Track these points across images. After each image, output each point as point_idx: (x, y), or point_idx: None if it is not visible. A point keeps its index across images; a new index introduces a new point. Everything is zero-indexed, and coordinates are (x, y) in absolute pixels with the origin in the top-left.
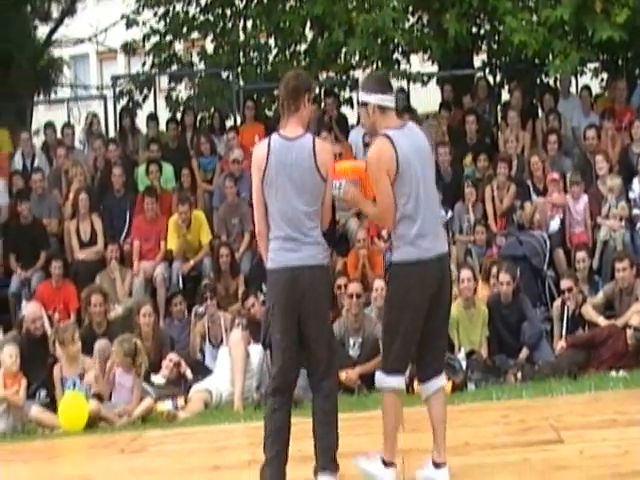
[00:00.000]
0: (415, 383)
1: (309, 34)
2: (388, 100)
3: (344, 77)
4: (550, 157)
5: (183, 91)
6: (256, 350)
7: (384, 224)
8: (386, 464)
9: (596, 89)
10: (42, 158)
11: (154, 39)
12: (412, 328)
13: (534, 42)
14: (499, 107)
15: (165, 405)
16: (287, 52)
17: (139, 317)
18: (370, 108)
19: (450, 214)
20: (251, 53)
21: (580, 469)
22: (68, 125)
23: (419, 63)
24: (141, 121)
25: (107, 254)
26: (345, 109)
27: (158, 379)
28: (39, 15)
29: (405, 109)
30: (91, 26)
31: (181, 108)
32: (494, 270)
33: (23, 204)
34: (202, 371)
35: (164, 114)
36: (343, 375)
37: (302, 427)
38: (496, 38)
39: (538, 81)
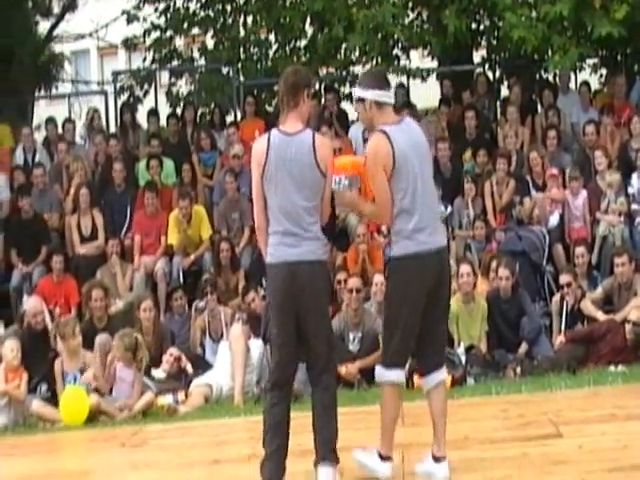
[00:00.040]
0: (415, 377)
1: (309, 30)
2: (385, 96)
3: (344, 73)
4: (549, 152)
5: (184, 86)
6: (256, 345)
7: (382, 220)
8: (383, 458)
9: (595, 85)
10: (43, 153)
11: (155, 35)
12: (411, 322)
13: (533, 38)
14: (498, 103)
15: (165, 399)
16: (287, 48)
17: (140, 312)
18: (367, 104)
19: (450, 209)
20: (251, 49)
21: (579, 463)
22: (69, 120)
23: (419, 59)
24: (142, 116)
25: (108, 249)
26: (345, 104)
27: (159, 373)
28: (40, 11)
29: (405, 105)
30: (92, 22)
31: (181, 103)
32: (493, 265)
33: (24, 199)
34: (202, 365)
35: (165, 109)
36: (343, 369)
37: (302, 421)
38: (495, 34)
39: (537, 77)
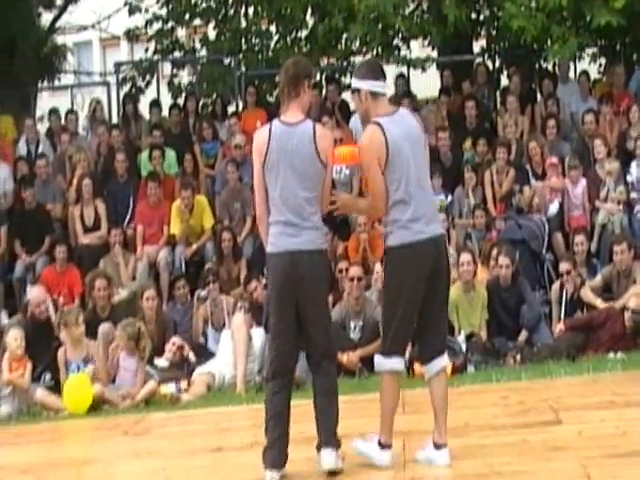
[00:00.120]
0: (416, 365)
1: (310, 20)
2: (380, 86)
3: (345, 63)
4: (549, 141)
5: (185, 77)
6: (258, 333)
7: (378, 213)
8: (382, 446)
9: (594, 74)
10: (46, 144)
11: (156, 26)
12: (410, 311)
13: (533, 28)
14: (498, 92)
15: (168, 388)
16: (288, 38)
17: (142, 301)
18: (362, 94)
19: (450, 198)
20: (253, 39)
21: (578, 450)
22: (72, 111)
23: (419, 49)
24: (144, 107)
25: (111, 239)
26: (346, 95)
27: (161, 362)
28: (43, 2)
29: (405, 94)
30: (94, 13)
31: (183, 94)
32: (493, 253)
33: (27, 190)
34: (205, 354)
35: (167, 100)
36: (344, 358)
37: (304, 409)
38: (495, 24)
39: (537, 66)
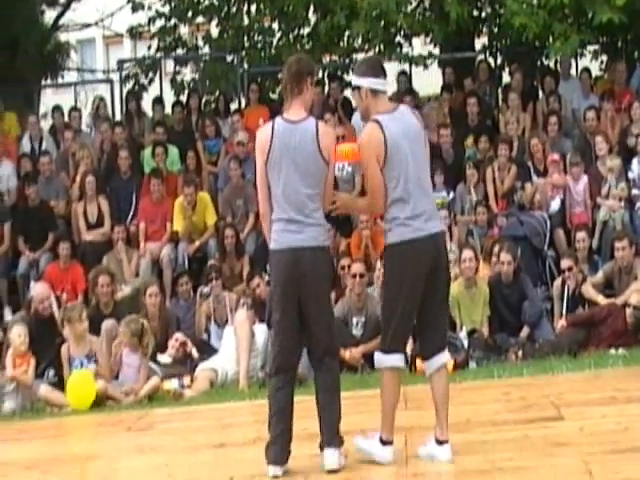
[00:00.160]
0: (418, 362)
1: (312, 18)
2: (380, 84)
3: (347, 60)
4: (550, 138)
5: (188, 74)
6: (261, 329)
7: (376, 211)
8: (384, 442)
9: (596, 71)
10: (50, 141)
11: (159, 23)
12: (409, 308)
13: (534, 25)
14: (500, 89)
15: (171, 384)
16: (290, 36)
17: (145, 297)
18: (363, 92)
19: (452, 195)
20: (255, 37)
21: (580, 445)
22: (75, 109)
23: (421, 46)
24: (147, 104)
25: (114, 235)
26: (349, 92)
27: (164, 358)
28: (46, 0)
29: (407, 92)
30: (97, 11)
31: (186, 91)
32: (495, 250)
33: (31, 187)
34: (208, 350)
35: (169, 97)
36: (347, 354)
37: (307, 405)
38: (497, 21)
39: (538, 63)
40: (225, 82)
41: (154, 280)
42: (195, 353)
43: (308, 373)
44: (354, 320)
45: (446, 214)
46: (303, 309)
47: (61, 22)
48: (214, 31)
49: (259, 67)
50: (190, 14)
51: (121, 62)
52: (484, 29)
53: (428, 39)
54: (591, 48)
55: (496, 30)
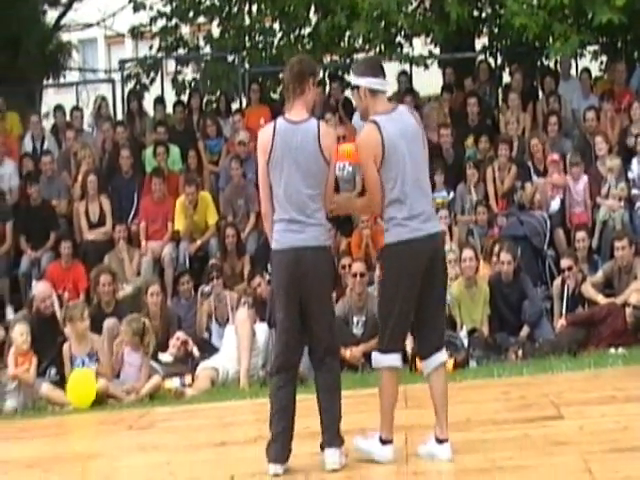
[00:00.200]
0: (418, 361)
1: (313, 18)
2: (379, 84)
3: (348, 60)
4: (550, 138)
5: (189, 74)
6: (262, 328)
7: (374, 211)
8: (384, 442)
9: (596, 72)
10: (51, 141)
11: (161, 23)
12: (406, 308)
13: (534, 25)
14: (500, 89)
15: (173, 382)
16: (291, 36)
17: (147, 296)
18: (361, 91)
19: (452, 195)
20: (256, 37)
21: (580, 444)
22: (77, 108)
23: (421, 46)
24: (148, 104)
25: (115, 234)
26: (349, 92)
27: (166, 357)
28: (48, 0)
29: (407, 92)
30: (99, 10)
31: (187, 91)
32: (495, 249)
33: (33, 186)
34: (209, 349)
35: (171, 97)
36: (347, 353)
37: (308, 404)
38: (497, 21)
39: (538, 64)
40: (226, 82)
41: (155, 279)
42: (196, 352)
43: (308, 373)
44: (355, 319)
45: (446, 214)
46: (305, 308)
47: (63, 22)
48: (215, 31)
49: (260, 67)
50: (191, 14)
51: (123, 62)
52: (484, 29)
53: (428, 39)
54: (591, 48)
55: (496, 30)
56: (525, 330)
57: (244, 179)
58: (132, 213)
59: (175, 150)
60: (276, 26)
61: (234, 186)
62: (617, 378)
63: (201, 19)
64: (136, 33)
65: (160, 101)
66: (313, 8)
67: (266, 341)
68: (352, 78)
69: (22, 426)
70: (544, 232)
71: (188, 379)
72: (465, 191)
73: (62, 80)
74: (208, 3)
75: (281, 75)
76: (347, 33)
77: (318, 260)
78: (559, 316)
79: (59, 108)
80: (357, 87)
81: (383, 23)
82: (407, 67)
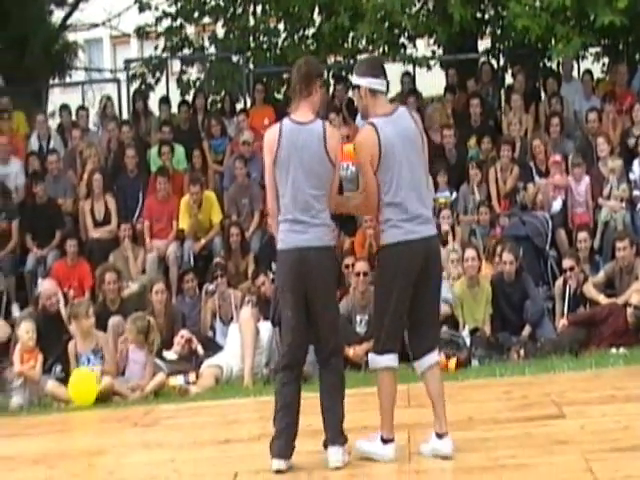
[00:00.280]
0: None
1: (317, 19)
2: (379, 84)
3: (351, 61)
4: (552, 139)
5: (194, 74)
6: (265, 327)
7: (369, 212)
8: (385, 441)
9: (597, 73)
10: (57, 140)
11: (166, 23)
12: (401, 308)
13: (537, 27)
14: (503, 90)
15: (177, 380)
16: (295, 36)
17: (152, 294)
18: (362, 91)
19: (455, 195)
20: (261, 37)
21: (581, 443)
22: (83, 107)
23: (424, 47)
24: (153, 104)
25: (120, 233)
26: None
27: (170, 355)
28: (54, 0)
29: (410, 92)
30: (105, 11)
31: (192, 91)
32: (498, 250)
33: (39, 184)
34: (213, 347)
35: (176, 97)
36: (350, 352)
37: (312, 402)
38: (500, 23)
39: (541, 65)
40: (231, 82)
41: (160, 277)
42: (200, 350)
43: (313, 370)
44: (358, 318)
45: (449, 214)
46: (309, 306)
47: (69, 22)
48: (220, 31)
49: (264, 67)
50: (196, 14)
51: (128, 62)
52: (487, 31)
53: (432, 40)
54: (593, 50)
55: (499, 32)
56: (527, 330)
57: (248, 178)
58: (137, 212)
59: (180, 150)
60: (280, 27)
61: (238, 185)
62: (618, 378)
63: (206, 19)
64: (141, 33)
65: (165, 101)
66: (317, 9)
67: (270, 339)
68: (353, 77)
69: (28, 423)
70: (546, 232)
71: (192, 377)
72: (468, 191)
73: (68, 80)
74: (213, 4)
75: (285, 75)
76: (351, 34)
77: (322, 260)
78: (561, 316)
79: (65, 107)
80: (358, 87)
81: (387, 24)
82: (410, 68)
